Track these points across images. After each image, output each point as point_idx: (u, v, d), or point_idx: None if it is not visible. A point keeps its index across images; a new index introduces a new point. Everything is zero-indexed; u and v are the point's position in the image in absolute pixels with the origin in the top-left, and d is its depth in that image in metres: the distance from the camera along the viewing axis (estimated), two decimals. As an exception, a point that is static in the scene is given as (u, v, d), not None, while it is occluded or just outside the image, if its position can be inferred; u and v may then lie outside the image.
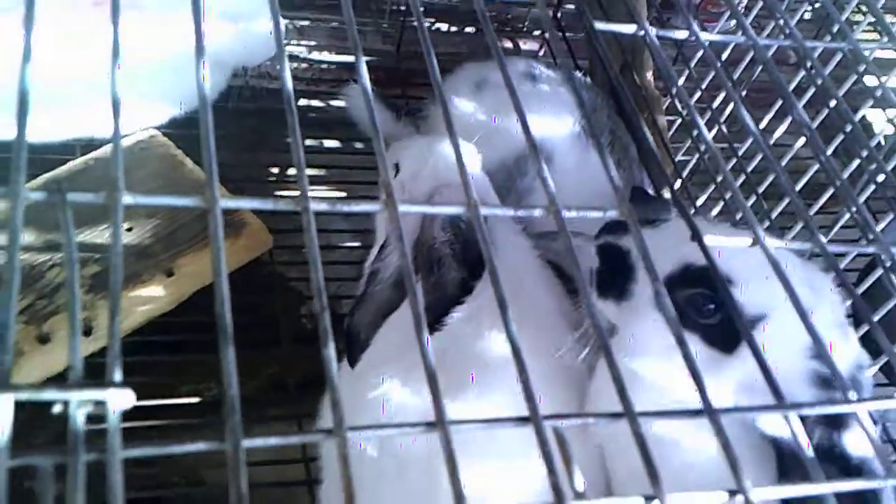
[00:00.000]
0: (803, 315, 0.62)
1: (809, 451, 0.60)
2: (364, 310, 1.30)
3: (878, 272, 1.17)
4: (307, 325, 1.85)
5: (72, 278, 0.58)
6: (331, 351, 0.57)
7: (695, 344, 0.99)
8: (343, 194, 2.21)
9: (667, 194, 1.53)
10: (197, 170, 1.64)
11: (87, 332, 1.39)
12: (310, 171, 2.30)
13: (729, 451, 0.56)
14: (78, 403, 0.50)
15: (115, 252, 0.58)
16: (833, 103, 1.24)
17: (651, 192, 1.54)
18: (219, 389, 1.60)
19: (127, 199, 0.61)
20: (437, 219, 1.28)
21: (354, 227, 2.01)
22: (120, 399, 0.51)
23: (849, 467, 0.87)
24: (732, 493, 0.55)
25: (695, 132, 1.51)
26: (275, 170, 2.07)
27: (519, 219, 1.45)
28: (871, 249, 0.73)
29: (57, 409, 0.51)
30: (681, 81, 1.62)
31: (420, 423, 0.56)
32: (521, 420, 0.57)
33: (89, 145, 1.67)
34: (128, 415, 0.52)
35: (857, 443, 0.88)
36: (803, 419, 0.87)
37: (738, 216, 1.27)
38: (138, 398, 0.51)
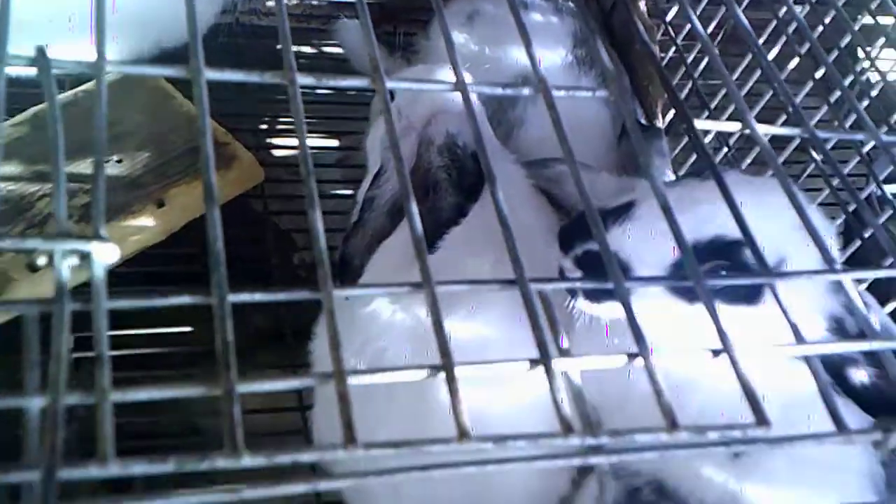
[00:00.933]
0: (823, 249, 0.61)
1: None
2: (358, 237, 1.30)
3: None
4: (301, 274, 1.84)
5: (56, 143, 0.57)
6: (317, 213, 0.57)
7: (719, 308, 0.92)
8: (336, 142, 2.20)
9: (659, 125, 1.53)
10: (187, 103, 1.63)
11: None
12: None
13: (712, 312, 0.56)
14: (62, 254, 0.50)
15: (100, 86, 0.58)
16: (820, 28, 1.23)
17: (644, 122, 1.54)
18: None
19: (109, 67, 0.61)
20: (433, 144, 1.27)
21: (347, 177, 2.00)
22: (104, 252, 0.51)
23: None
24: (716, 352, 0.55)
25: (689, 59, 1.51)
26: (266, 109, 2.06)
27: (511, 147, 1.45)
28: (860, 136, 0.73)
29: (41, 261, 0.51)
30: (671, 14, 1.61)
31: (406, 283, 0.56)
32: (508, 283, 0.57)
33: (78, 80, 1.65)
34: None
35: None
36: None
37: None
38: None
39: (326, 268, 0.53)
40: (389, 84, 0.64)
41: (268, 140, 2.09)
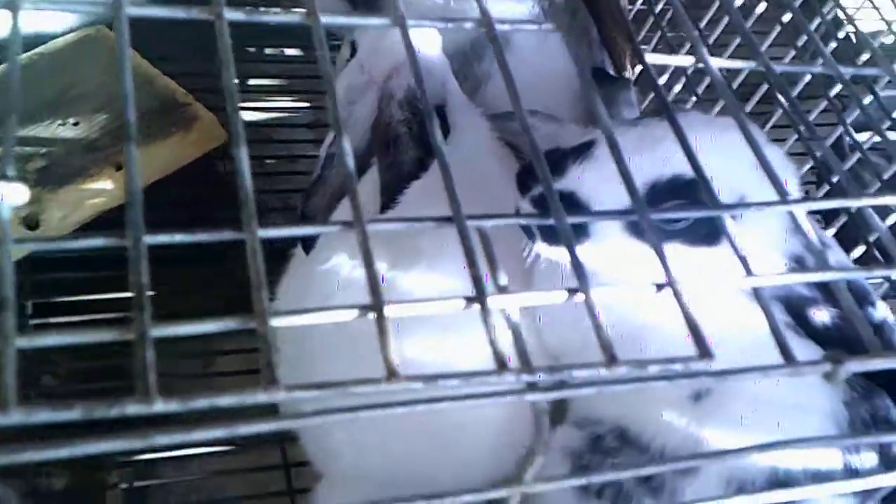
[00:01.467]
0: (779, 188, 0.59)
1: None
2: (319, 193, 1.27)
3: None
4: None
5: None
6: (242, 152, 0.54)
7: (678, 249, 0.90)
8: (307, 104, 2.16)
9: (628, 75, 1.50)
10: (146, 64, 1.59)
11: (35, 225, 1.36)
12: (271, 81, 2.27)
13: (655, 244, 0.54)
14: (-35, 195, 0.47)
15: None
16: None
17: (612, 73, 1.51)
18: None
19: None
20: (395, 99, 1.25)
21: (319, 136, 1.97)
22: (11, 192, 0.48)
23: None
24: (660, 286, 0.53)
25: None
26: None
27: (478, 101, 1.42)
28: (817, 69, 0.70)
29: (-55, 204, 0.48)
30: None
31: (337, 221, 0.54)
32: (444, 220, 0.55)
33: (34, 41, 1.61)
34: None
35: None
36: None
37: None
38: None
39: (251, 208, 0.51)
40: (324, 20, 0.61)
41: (241, 109, 2.05)
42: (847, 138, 1.17)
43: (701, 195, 0.81)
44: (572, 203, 0.91)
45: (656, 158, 0.86)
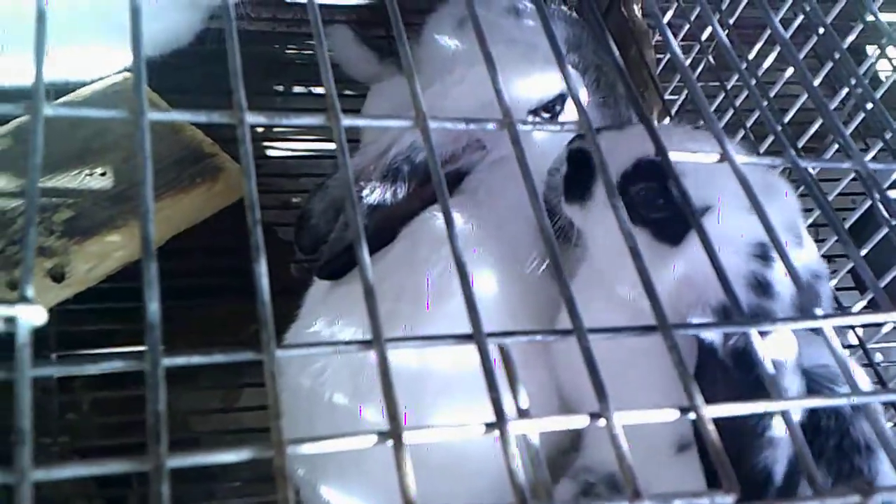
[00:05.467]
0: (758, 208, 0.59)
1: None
2: (319, 197, 1.30)
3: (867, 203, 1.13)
4: (294, 274, 1.82)
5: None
6: (262, 267, 0.54)
7: (645, 238, 1.00)
8: (332, 145, 2.16)
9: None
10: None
11: (60, 277, 1.37)
12: (299, 120, 2.28)
13: (682, 369, 0.53)
14: (-14, 318, 0.47)
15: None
16: (821, 31, 1.19)
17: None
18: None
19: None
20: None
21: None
22: (30, 314, 0.48)
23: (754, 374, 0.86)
24: (684, 409, 0.52)
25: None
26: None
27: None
28: (846, 165, 0.69)
29: (-33, 324, 0.48)
30: (668, 15, 1.57)
31: (355, 341, 0.53)
32: (463, 337, 0.54)
33: (63, 90, 1.63)
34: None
35: (772, 349, 0.86)
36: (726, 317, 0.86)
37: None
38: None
39: (271, 329, 0.50)
40: (346, 121, 0.61)
41: (265, 146, 2.06)
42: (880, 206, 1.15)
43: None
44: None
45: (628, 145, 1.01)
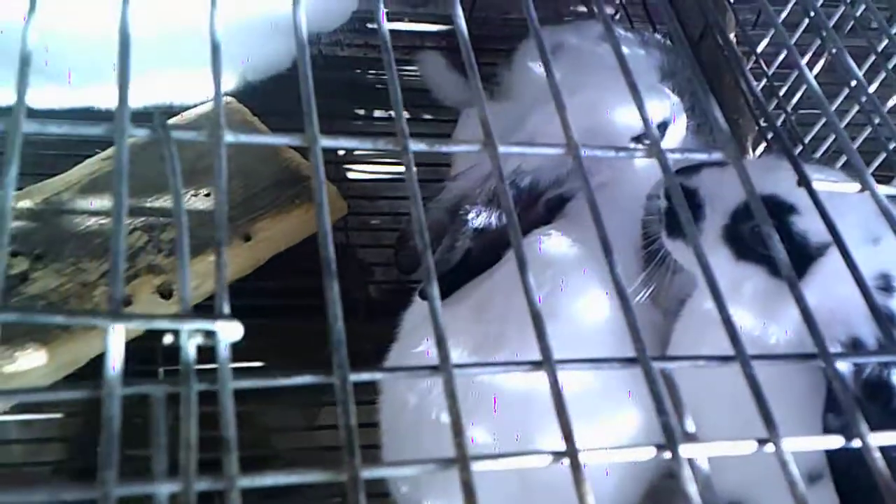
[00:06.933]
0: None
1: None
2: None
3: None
4: (374, 295, 1.85)
5: (179, 209, 0.58)
6: (434, 289, 0.56)
7: (759, 276, 1.00)
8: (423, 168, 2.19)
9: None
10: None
11: (168, 294, 1.41)
12: (369, 144, 2.32)
13: (846, 397, 0.54)
14: (188, 333, 0.50)
15: (220, 190, 0.58)
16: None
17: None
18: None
19: (228, 137, 0.61)
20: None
21: (431, 193, 2.01)
22: (229, 330, 0.51)
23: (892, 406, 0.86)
24: (849, 437, 0.53)
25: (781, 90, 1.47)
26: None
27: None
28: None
29: (167, 339, 0.51)
30: (763, 44, 1.57)
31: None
32: (629, 361, 0.56)
33: (167, 112, 1.68)
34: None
35: None
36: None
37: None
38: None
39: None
40: (502, 149, 0.64)
41: (347, 169, 2.10)
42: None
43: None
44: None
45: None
